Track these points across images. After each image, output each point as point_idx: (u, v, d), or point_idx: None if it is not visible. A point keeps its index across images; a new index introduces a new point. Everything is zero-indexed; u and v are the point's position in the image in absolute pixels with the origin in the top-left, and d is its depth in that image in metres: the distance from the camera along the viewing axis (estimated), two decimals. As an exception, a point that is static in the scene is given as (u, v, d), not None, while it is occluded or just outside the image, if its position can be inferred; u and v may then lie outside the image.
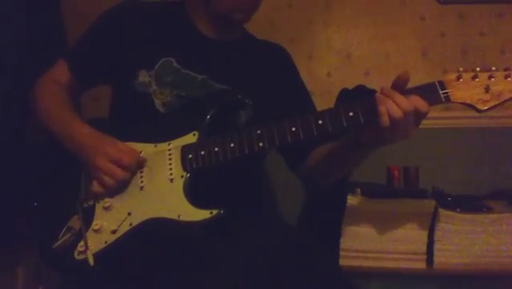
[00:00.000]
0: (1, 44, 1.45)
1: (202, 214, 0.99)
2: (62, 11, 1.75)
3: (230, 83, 1.15)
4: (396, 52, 1.85)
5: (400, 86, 0.92)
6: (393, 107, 0.88)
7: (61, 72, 1.20)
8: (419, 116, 0.91)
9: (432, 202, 1.47)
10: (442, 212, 1.46)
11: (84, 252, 1.02)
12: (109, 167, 1.02)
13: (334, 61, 1.88)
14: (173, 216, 1.00)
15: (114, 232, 1.03)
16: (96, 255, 1.01)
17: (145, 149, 1.07)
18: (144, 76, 1.13)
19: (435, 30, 1.83)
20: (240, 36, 1.25)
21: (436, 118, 1.78)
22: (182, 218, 1.00)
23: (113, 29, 1.17)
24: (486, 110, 0.92)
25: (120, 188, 1.04)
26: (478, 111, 0.92)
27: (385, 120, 0.89)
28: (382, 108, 0.89)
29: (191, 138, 1.05)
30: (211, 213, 0.98)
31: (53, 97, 1.17)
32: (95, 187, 1.05)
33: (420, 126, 1.83)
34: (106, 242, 1.03)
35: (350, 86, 1.63)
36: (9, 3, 1.49)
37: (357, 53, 1.87)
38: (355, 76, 1.83)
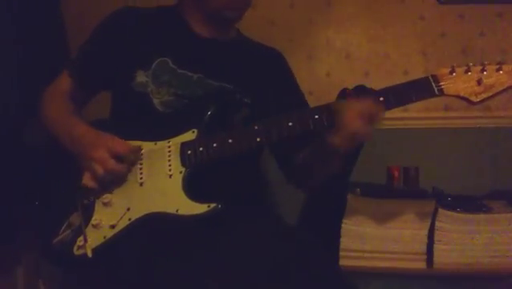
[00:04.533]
0: (0, 44, 1.45)
1: (200, 208, 1.00)
2: (62, 11, 1.75)
3: (226, 81, 1.17)
4: (396, 52, 1.85)
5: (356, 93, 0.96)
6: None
7: (64, 82, 1.23)
8: (373, 117, 0.94)
9: (432, 202, 1.48)
10: (442, 212, 1.46)
11: (83, 247, 1.02)
12: (102, 156, 1.03)
13: (333, 61, 1.88)
14: (171, 210, 1.01)
15: (113, 227, 1.04)
16: (95, 250, 1.02)
17: (145, 147, 1.09)
18: (141, 76, 1.15)
19: (435, 30, 1.83)
20: (235, 37, 1.28)
21: (436, 118, 1.78)
22: (180, 212, 1.01)
23: (110, 33, 1.20)
24: (479, 102, 0.95)
25: (112, 180, 1.05)
26: (472, 103, 0.95)
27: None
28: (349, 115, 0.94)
29: (190, 135, 1.07)
30: (208, 206, 1.00)
31: (57, 106, 1.20)
32: (87, 180, 1.06)
33: (420, 126, 1.83)
34: (105, 237, 1.03)
35: (350, 86, 1.63)
36: (9, 3, 1.49)
37: (357, 53, 1.87)
38: (354, 76, 1.83)
